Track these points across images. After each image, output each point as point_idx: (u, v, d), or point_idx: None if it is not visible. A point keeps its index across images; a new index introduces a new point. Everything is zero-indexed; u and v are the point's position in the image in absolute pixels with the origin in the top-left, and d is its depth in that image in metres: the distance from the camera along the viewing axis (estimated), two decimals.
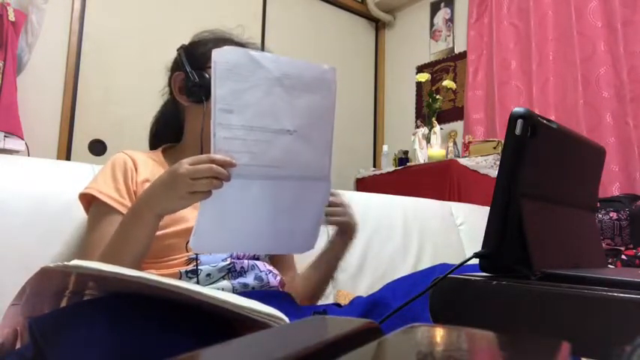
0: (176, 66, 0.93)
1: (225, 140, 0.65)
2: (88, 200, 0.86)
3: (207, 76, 0.85)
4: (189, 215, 0.82)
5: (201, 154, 0.69)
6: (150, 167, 0.89)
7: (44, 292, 0.59)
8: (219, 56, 0.64)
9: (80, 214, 0.95)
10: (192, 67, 0.87)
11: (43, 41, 2.14)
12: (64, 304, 0.60)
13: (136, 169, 0.87)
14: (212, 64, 0.63)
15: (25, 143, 1.95)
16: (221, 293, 0.48)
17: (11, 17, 1.93)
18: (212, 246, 0.74)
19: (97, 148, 2.42)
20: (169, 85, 0.95)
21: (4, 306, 0.63)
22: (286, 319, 0.48)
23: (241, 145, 0.65)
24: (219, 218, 0.69)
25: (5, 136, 1.87)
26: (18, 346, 0.64)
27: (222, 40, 0.92)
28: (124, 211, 0.81)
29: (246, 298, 0.49)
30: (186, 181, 0.65)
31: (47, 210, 0.93)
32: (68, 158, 2.32)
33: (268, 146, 0.67)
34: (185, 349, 0.24)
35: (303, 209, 0.74)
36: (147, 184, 0.85)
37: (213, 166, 0.64)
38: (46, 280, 0.55)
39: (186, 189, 0.65)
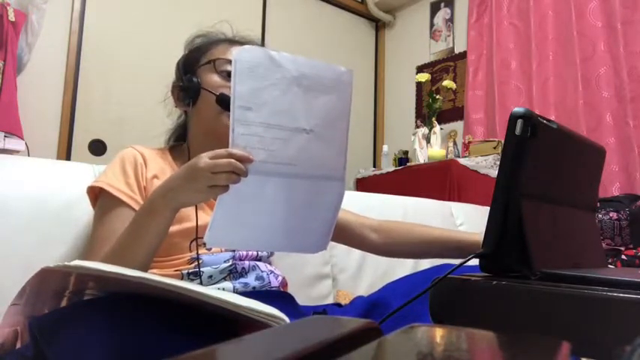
0: (175, 76, 0.97)
1: (242, 136, 0.65)
2: (96, 194, 0.85)
3: (194, 79, 0.88)
4: (192, 215, 0.82)
5: (189, 158, 0.70)
6: (158, 163, 0.89)
7: (44, 292, 0.59)
8: (239, 55, 0.65)
9: (81, 214, 0.95)
10: (184, 73, 0.91)
11: (43, 41, 2.14)
12: (64, 304, 0.60)
13: (145, 165, 0.87)
14: (232, 63, 0.65)
15: (25, 143, 1.95)
16: (221, 293, 0.48)
17: (11, 17, 1.93)
18: (226, 241, 0.75)
19: (97, 148, 2.42)
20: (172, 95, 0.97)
21: (4, 306, 0.63)
22: (286, 319, 0.48)
23: (258, 142, 0.66)
24: (234, 214, 0.69)
25: (5, 136, 1.87)
26: (18, 345, 0.64)
27: (212, 43, 0.94)
28: (134, 205, 0.81)
29: (246, 298, 0.49)
30: (207, 174, 0.65)
31: (47, 210, 0.93)
32: (68, 158, 2.32)
33: (285, 144, 0.68)
34: (185, 349, 0.24)
35: (317, 209, 0.75)
36: (155, 180, 0.85)
37: (232, 160, 0.64)
38: (47, 281, 0.55)
39: (206, 182, 0.66)
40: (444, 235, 0.97)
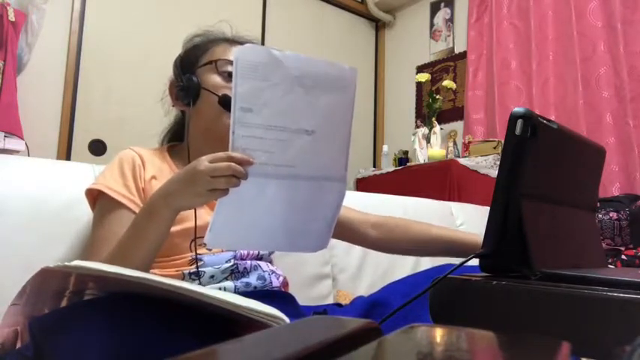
0: (173, 74, 0.96)
1: (243, 138, 0.64)
2: (95, 196, 0.85)
3: (194, 79, 0.87)
4: (192, 215, 0.82)
5: (190, 160, 0.69)
6: (157, 164, 0.89)
7: (44, 292, 0.59)
8: (241, 54, 0.64)
9: (81, 214, 0.95)
10: (183, 72, 0.90)
11: (43, 41, 2.14)
12: (64, 304, 0.60)
13: (143, 166, 0.87)
14: (233, 62, 0.63)
15: (25, 143, 1.95)
16: (221, 293, 0.48)
17: (11, 17, 1.93)
18: (226, 242, 0.74)
19: (97, 148, 2.42)
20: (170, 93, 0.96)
21: (4, 306, 0.63)
22: (286, 319, 0.48)
23: (259, 144, 0.65)
24: (234, 215, 0.69)
25: (5, 136, 1.87)
26: (18, 345, 0.64)
27: (212, 42, 0.93)
28: (133, 207, 0.81)
29: (246, 298, 0.49)
30: (206, 178, 0.65)
31: (47, 210, 0.93)
32: (68, 158, 2.32)
33: (286, 146, 0.67)
34: (185, 349, 0.24)
35: (318, 209, 0.74)
36: (154, 181, 0.85)
37: (232, 164, 0.64)
38: (47, 281, 0.55)
39: (206, 186, 0.65)
40: (443, 234, 0.97)
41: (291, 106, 0.67)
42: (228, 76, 0.88)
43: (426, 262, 1.52)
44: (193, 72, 0.89)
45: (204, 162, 0.66)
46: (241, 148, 0.65)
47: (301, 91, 0.67)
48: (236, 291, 0.83)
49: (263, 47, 0.66)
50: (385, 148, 3.16)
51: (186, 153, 0.89)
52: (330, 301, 1.31)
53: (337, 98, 0.70)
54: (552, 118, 2.48)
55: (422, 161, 2.86)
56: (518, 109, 0.54)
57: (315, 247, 0.78)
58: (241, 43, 0.94)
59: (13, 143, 1.89)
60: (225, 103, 0.84)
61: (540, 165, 0.57)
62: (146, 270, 0.74)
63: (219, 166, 0.64)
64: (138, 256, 0.71)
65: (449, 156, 2.81)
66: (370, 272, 1.41)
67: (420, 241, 0.97)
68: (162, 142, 1.03)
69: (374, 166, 3.42)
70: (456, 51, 3.25)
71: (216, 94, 0.85)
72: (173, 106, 0.96)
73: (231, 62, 0.88)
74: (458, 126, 3.12)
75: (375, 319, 0.46)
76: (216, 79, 0.88)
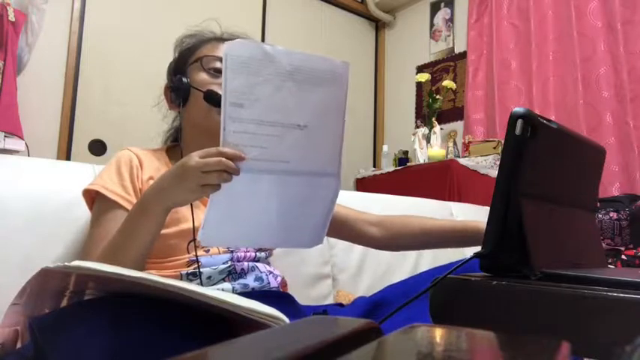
0: (167, 78, 0.97)
1: (234, 134, 0.64)
2: (92, 196, 0.85)
3: (183, 79, 0.87)
4: (189, 215, 0.82)
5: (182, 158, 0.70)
6: (154, 165, 0.89)
7: (44, 292, 0.59)
8: (230, 50, 0.63)
9: (81, 214, 0.95)
10: (174, 74, 0.91)
11: (43, 41, 2.14)
12: (64, 304, 0.60)
13: (141, 167, 0.87)
14: (223, 57, 0.63)
15: (25, 143, 1.95)
16: (221, 293, 0.48)
17: (11, 17, 1.93)
18: (220, 240, 0.74)
19: (97, 148, 2.42)
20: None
21: (4, 306, 0.63)
22: (286, 319, 0.48)
23: (251, 139, 0.65)
24: (227, 212, 0.69)
25: (5, 136, 1.88)
26: (18, 345, 0.64)
27: (200, 41, 0.94)
28: (130, 207, 0.81)
29: (245, 299, 0.49)
30: (197, 173, 0.65)
31: (47, 210, 0.93)
32: (68, 158, 2.32)
33: (278, 141, 0.67)
34: (185, 349, 0.24)
35: (313, 204, 0.74)
36: (151, 182, 0.85)
37: (223, 159, 0.64)
38: (47, 281, 0.55)
39: (197, 182, 0.65)
40: (444, 223, 0.97)
41: (283, 101, 0.66)
42: (214, 73, 0.88)
43: (426, 263, 1.52)
44: (183, 73, 0.90)
45: (194, 157, 0.66)
46: (232, 144, 0.64)
47: (293, 85, 0.67)
48: (234, 292, 0.83)
49: (253, 42, 0.66)
50: (385, 148, 3.16)
51: (181, 154, 0.89)
52: (330, 301, 1.31)
53: (329, 93, 0.70)
54: (552, 118, 2.48)
55: (422, 161, 2.86)
56: (518, 109, 0.54)
57: (310, 243, 0.78)
58: (231, 39, 0.95)
59: (13, 143, 1.89)
60: (209, 98, 0.84)
61: (540, 165, 0.57)
62: (139, 267, 0.74)
63: (210, 161, 0.64)
64: (130, 253, 0.72)
65: (449, 156, 2.80)
66: (370, 272, 1.41)
67: (422, 234, 0.97)
68: (164, 143, 1.03)
69: (374, 166, 3.42)
70: (456, 51, 3.25)
71: (202, 91, 0.85)
72: (169, 109, 0.97)
73: (217, 58, 0.88)
74: (458, 126, 3.13)
75: (376, 319, 0.46)
76: (202, 76, 0.88)
